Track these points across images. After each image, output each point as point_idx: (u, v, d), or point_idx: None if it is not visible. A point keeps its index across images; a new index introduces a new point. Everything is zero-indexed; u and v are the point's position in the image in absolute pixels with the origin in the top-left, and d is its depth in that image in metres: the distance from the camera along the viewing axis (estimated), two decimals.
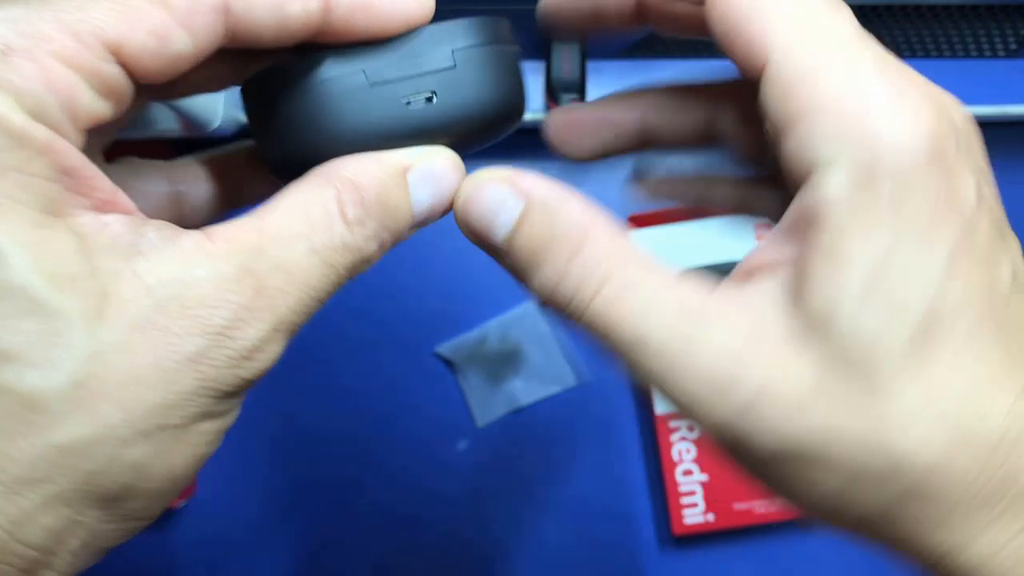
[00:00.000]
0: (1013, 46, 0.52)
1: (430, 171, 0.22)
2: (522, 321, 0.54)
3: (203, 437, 0.18)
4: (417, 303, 0.54)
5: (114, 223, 0.18)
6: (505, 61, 0.23)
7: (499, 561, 0.52)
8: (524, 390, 0.54)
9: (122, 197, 0.19)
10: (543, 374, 0.54)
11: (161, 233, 0.18)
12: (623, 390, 0.54)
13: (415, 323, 0.54)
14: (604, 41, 0.26)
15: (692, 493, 0.50)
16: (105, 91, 0.18)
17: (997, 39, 0.52)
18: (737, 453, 0.20)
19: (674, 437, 0.51)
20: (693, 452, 0.50)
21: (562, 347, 0.54)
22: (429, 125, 0.23)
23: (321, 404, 0.53)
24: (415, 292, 0.54)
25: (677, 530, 0.50)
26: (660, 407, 0.51)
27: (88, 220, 0.17)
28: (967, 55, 0.53)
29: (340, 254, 0.20)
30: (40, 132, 0.17)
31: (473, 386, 0.54)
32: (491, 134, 0.24)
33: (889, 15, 0.48)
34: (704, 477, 0.50)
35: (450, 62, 0.22)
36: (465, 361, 0.54)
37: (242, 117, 0.46)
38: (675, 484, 0.50)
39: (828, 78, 0.19)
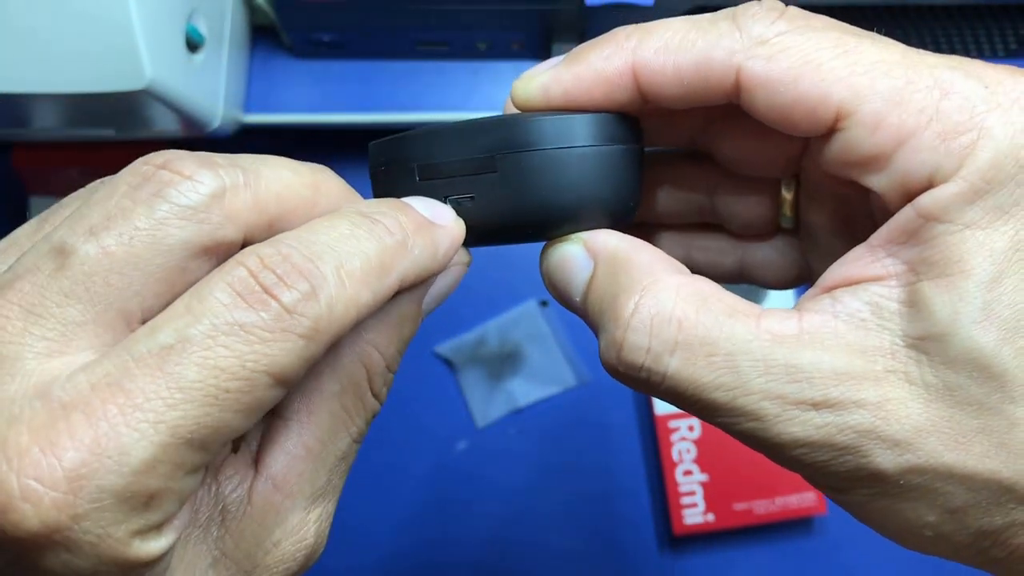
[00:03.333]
0: (1013, 46, 0.52)
1: (440, 288, 0.23)
2: (522, 321, 0.54)
3: None
4: None
5: (201, 505, 0.19)
6: (567, 168, 0.21)
7: (499, 561, 0.52)
8: (524, 390, 0.54)
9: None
10: (543, 374, 0.54)
11: (236, 494, 0.20)
12: (623, 390, 0.54)
13: None
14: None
15: (692, 493, 0.50)
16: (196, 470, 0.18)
17: (997, 39, 0.52)
18: (844, 479, 0.19)
19: (674, 437, 0.51)
20: (693, 452, 0.50)
21: (562, 347, 0.54)
22: (471, 226, 0.22)
23: None
24: None
25: (677, 530, 0.50)
26: (660, 407, 0.51)
27: (184, 531, 0.19)
28: (967, 55, 0.53)
29: (365, 429, 0.22)
30: (167, 544, 0.17)
31: (473, 386, 0.54)
32: (551, 236, 0.22)
33: (889, 15, 0.48)
34: (704, 477, 0.50)
35: (491, 166, 0.21)
36: (465, 361, 0.54)
37: (242, 117, 0.46)
38: (675, 484, 0.50)
39: (913, 100, 0.18)
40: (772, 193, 0.26)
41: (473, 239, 0.22)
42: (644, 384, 0.20)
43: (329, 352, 0.20)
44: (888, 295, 0.19)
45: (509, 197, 0.21)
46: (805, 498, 0.50)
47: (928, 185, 0.18)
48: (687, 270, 0.21)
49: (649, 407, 0.52)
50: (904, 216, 0.19)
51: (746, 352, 0.19)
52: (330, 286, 0.17)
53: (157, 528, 0.17)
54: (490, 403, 0.53)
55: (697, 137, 0.25)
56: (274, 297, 0.17)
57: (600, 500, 0.53)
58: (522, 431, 0.53)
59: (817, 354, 0.18)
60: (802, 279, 0.27)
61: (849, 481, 0.19)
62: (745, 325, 0.19)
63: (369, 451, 0.53)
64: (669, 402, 0.20)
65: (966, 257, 0.18)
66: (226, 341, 0.16)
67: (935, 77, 0.19)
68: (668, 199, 0.27)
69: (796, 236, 0.27)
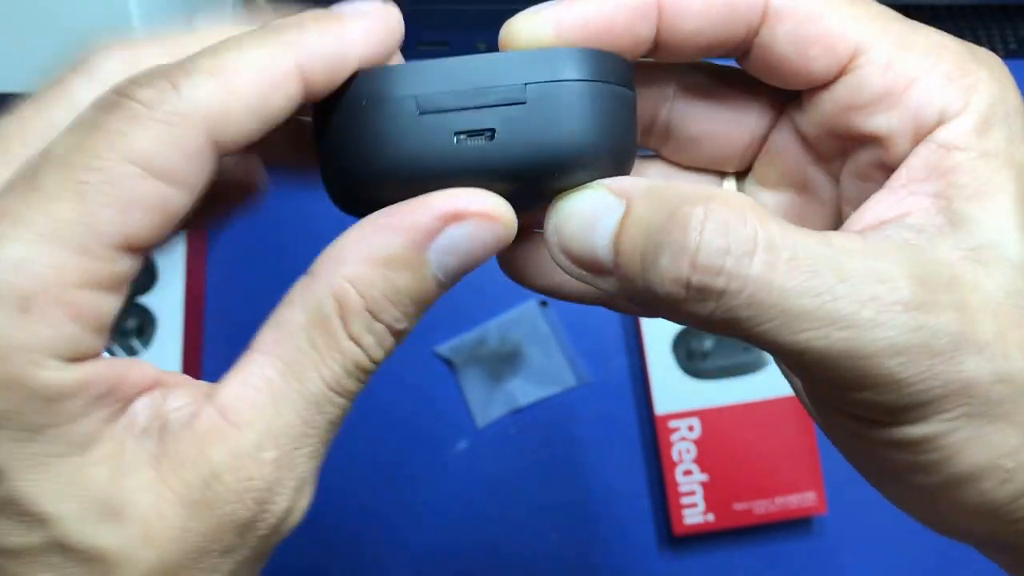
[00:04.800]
0: (1013, 46, 0.52)
1: (456, 241, 0.19)
2: (522, 321, 0.54)
3: None
4: None
5: (139, 415, 0.18)
6: (600, 104, 0.20)
7: (499, 561, 0.52)
8: (524, 390, 0.53)
9: (144, 371, 0.19)
10: (543, 374, 0.54)
11: (181, 413, 0.18)
12: (623, 390, 0.54)
13: None
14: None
15: (692, 493, 0.50)
16: (118, 285, 0.18)
17: (997, 39, 0.52)
18: (932, 398, 0.18)
19: (674, 437, 0.51)
20: (693, 452, 0.50)
21: (562, 347, 0.54)
22: (483, 168, 0.19)
23: None
24: None
25: (677, 530, 0.50)
26: (660, 407, 0.51)
27: (117, 431, 0.18)
28: None
29: (346, 380, 0.19)
30: (71, 381, 0.17)
31: (473, 386, 0.54)
32: (568, 185, 0.20)
33: None
34: (704, 477, 0.50)
35: (520, 96, 0.19)
36: (465, 361, 0.54)
37: None
38: (675, 484, 0.50)
39: (918, 46, 0.20)
40: None
41: (482, 185, 0.20)
42: (716, 299, 0.18)
43: (305, 281, 0.19)
44: (924, 221, 0.19)
45: (539, 131, 0.19)
46: (805, 498, 0.50)
47: (938, 121, 0.19)
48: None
49: (649, 407, 0.52)
50: (925, 152, 0.20)
51: (825, 257, 0.18)
52: (196, 78, 0.17)
53: (57, 354, 0.16)
54: (490, 403, 0.53)
55: (658, 114, 0.24)
56: (129, 96, 0.17)
57: (600, 500, 0.53)
58: (522, 431, 0.53)
59: (893, 259, 0.18)
60: None
61: (938, 401, 0.18)
62: (812, 236, 0.18)
63: (369, 450, 0.53)
64: (736, 327, 0.18)
65: (993, 177, 0.19)
66: (79, 136, 0.17)
67: (928, 34, 0.20)
68: None
69: None
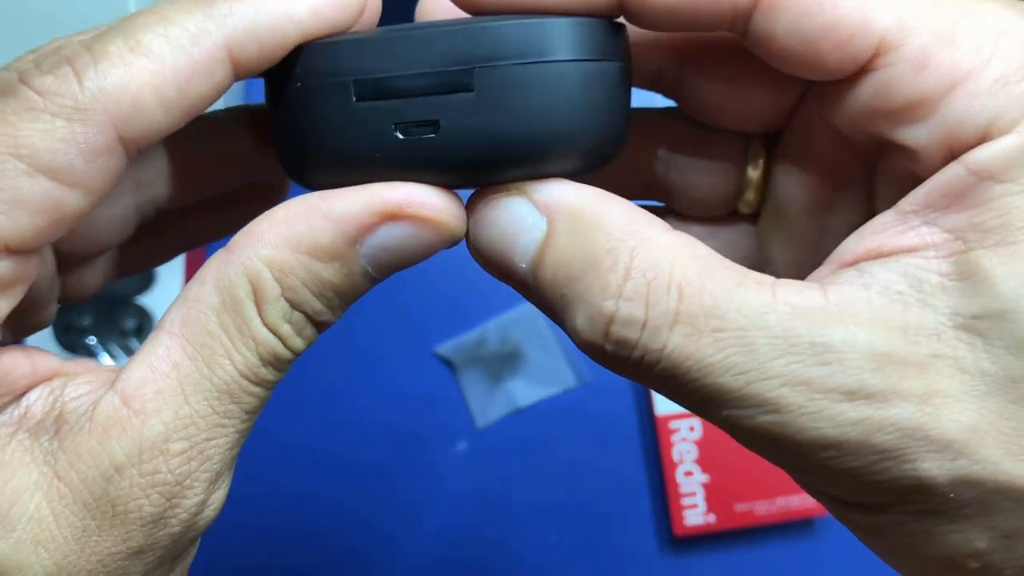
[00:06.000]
0: None
1: (393, 240, 0.17)
2: (522, 321, 0.54)
3: None
4: (417, 303, 0.54)
5: (34, 407, 0.17)
6: (568, 86, 0.16)
7: (499, 562, 0.52)
8: (524, 391, 0.53)
9: (42, 360, 0.18)
10: (543, 375, 0.54)
11: (79, 403, 0.17)
12: (623, 390, 0.54)
13: (415, 323, 0.54)
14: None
15: (693, 494, 0.50)
16: (4, 286, 0.16)
17: None
18: (880, 493, 0.16)
19: (675, 438, 0.50)
20: (694, 453, 0.50)
21: (562, 347, 0.54)
22: (428, 163, 0.17)
23: (321, 404, 0.53)
24: (415, 292, 0.54)
25: (678, 531, 0.49)
26: (661, 407, 0.51)
27: (4, 422, 0.17)
28: None
29: (261, 369, 0.17)
30: None
31: (473, 386, 0.54)
32: (533, 176, 0.17)
33: None
34: (705, 478, 0.50)
35: (466, 82, 0.16)
36: (465, 361, 0.54)
37: None
38: (676, 485, 0.50)
39: (967, 36, 0.16)
40: (736, 166, 0.22)
41: (429, 180, 0.17)
42: (634, 367, 0.16)
43: (220, 256, 0.17)
44: (927, 267, 0.16)
45: (492, 122, 0.16)
46: (807, 499, 0.50)
47: (982, 138, 0.15)
48: (671, 228, 0.17)
49: (650, 407, 0.52)
50: (950, 175, 0.16)
51: (762, 326, 0.15)
52: (103, 65, 0.16)
53: None
54: (490, 403, 0.53)
55: (665, 76, 0.21)
56: (26, 83, 0.16)
57: (600, 500, 0.53)
58: (522, 431, 0.53)
59: (850, 331, 0.15)
60: None
61: (886, 495, 0.16)
62: (758, 295, 0.15)
63: (369, 450, 0.53)
64: (662, 391, 0.17)
65: None
66: None
67: (986, 14, 0.16)
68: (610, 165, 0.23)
69: (753, 224, 0.23)
